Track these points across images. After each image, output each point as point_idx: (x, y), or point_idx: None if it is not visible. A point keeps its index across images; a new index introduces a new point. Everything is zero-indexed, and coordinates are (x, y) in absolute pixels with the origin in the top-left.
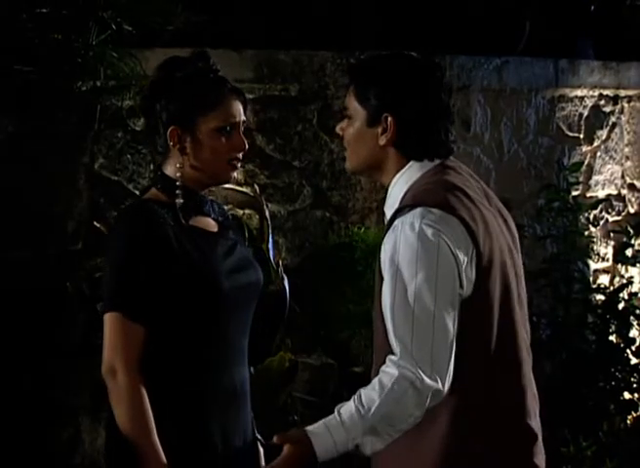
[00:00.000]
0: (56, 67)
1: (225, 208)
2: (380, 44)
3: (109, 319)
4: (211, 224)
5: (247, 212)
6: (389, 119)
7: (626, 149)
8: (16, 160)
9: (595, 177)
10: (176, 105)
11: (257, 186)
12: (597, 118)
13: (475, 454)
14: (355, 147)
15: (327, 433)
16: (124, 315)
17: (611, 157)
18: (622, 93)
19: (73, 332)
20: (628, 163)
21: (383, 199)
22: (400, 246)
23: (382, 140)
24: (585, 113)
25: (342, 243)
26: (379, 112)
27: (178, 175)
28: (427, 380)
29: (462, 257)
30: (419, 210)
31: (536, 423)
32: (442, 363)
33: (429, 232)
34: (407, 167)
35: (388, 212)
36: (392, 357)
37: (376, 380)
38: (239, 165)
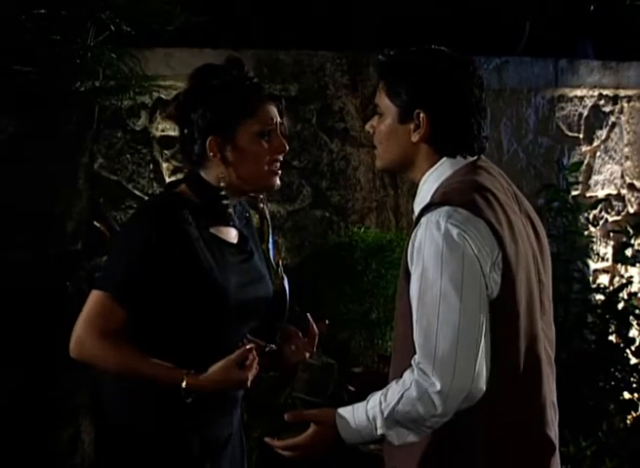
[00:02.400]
0: (55, 68)
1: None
2: (381, 44)
3: (94, 296)
4: (231, 235)
5: None
6: (422, 115)
7: (626, 149)
8: (15, 160)
9: (595, 177)
10: (213, 115)
11: None
12: (597, 118)
13: (494, 465)
14: (387, 144)
15: (351, 415)
16: (110, 297)
17: (610, 157)
18: (622, 92)
19: None
20: (628, 163)
21: (383, 199)
22: (425, 245)
23: (415, 137)
24: (585, 113)
25: (342, 243)
26: (411, 108)
27: (222, 184)
28: (443, 387)
29: (486, 259)
30: (445, 208)
31: (554, 434)
32: (467, 365)
33: (454, 232)
34: (439, 163)
35: (417, 208)
36: (416, 357)
37: (403, 376)
38: (280, 170)
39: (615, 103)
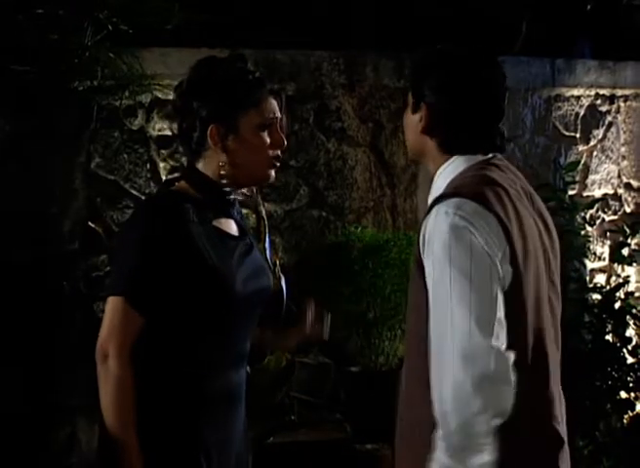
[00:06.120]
0: (52, 67)
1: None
2: (380, 44)
3: (112, 302)
4: (233, 227)
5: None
6: (424, 107)
7: (623, 149)
8: (12, 160)
9: (592, 177)
10: (216, 103)
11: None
12: (593, 117)
13: (501, 460)
14: (406, 133)
15: None
16: (126, 300)
17: (607, 156)
18: (619, 92)
19: (70, 333)
20: (625, 162)
21: (380, 198)
22: (435, 235)
23: (419, 127)
24: (582, 112)
25: (339, 242)
26: (418, 100)
27: (222, 172)
28: None
29: (496, 252)
30: (455, 200)
31: (562, 429)
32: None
33: (461, 224)
34: (451, 161)
35: (430, 201)
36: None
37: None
38: (278, 163)
39: (611, 103)
